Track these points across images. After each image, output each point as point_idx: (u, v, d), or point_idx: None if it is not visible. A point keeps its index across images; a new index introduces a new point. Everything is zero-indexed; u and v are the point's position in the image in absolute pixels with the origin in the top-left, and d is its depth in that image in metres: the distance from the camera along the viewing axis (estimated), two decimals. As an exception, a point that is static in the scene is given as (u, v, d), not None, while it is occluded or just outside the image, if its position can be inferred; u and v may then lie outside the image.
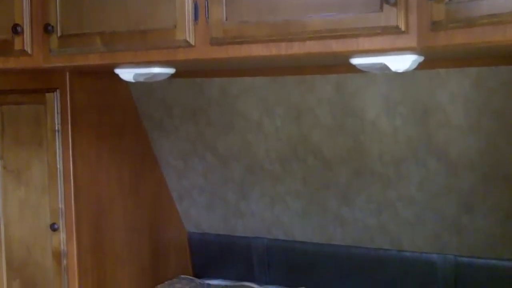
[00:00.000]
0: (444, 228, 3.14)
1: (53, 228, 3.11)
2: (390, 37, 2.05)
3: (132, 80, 2.87)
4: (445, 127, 2.83)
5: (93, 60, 2.66)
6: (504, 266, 3.10)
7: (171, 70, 2.85)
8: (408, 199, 3.13)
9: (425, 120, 2.84)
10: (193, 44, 2.40)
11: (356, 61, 2.33)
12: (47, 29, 2.71)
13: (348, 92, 2.93)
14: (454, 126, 2.80)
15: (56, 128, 3.09)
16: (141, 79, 2.85)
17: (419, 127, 2.88)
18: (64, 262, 3.12)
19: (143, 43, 2.51)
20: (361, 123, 3.00)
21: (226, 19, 2.32)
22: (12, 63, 2.82)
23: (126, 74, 2.85)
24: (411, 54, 2.20)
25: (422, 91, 2.78)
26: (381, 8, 2.03)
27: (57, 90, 3.09)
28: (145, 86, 3.38)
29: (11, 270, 3.16)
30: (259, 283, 3.67)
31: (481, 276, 3.17)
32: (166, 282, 3.71)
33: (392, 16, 2.01)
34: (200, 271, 3.96)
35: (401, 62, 2.22)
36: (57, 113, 3.09)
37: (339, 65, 2.78)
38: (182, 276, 3.85)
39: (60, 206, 3.10)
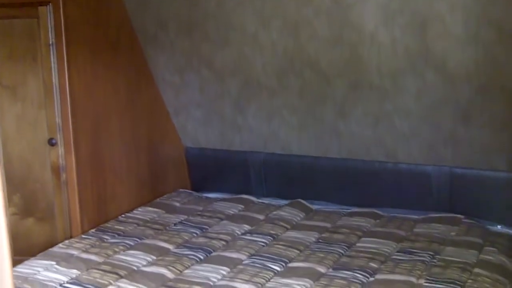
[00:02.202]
0: (439, 140, 3.17)
1: (51, 143, 3.13)
2: None
3: (126, -8, 2.81)
4: (443, 38, 2.80)
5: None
6: (499, 177, 3.15)
7: (165, -19, 2.78)
8: (404, 111, 3.15)
9: (424, 31, 2.82)
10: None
11: (355, -32, 2.28)
12: None
13: (346, 3, 2.89)
14: (452, 36, 2.78)
15: (50, 42, 3.05)
16: (135, -10, 2.79)
17: (417, 38, 2.85)
18: (63, 176, 3.15)
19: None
20: (359, 35, 2.97)
21: None
22: (2, -26, 2.75)
23: (120, -15, 2.79)
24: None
25: (421, 1, 2.74)
26: None
27: (50, 4, 3.03)
28: (139, -1, 3.32)
29: (12, 185, 3.20)
30: (256, 196, 3.73)
31: (475, 187, 3.23)
32: (165, 196, 3.76)
33: None
34: (198, 185, 4.01)
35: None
36: (51, 27, 3.05)
37: (337, -26, 2.73)
38: (181, 190, 3.91)
39: (57, 121, 3.10)
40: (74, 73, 3.10)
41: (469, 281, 2.46)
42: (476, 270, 2.57)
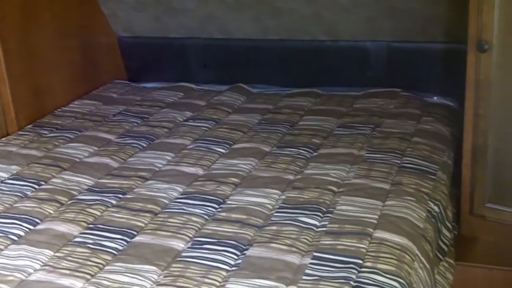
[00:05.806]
0: (378, 13, 3.15)
1: (-25, 35, 2.96)
2: None
3: None
4: None
5: None
6: (435, 49, 3.21)
7: None
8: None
9: None
10: None
11: None
12: None
13: None
14: None
15: None
16: None
17: None
18: (-8, 70, 3.01)
19: None
20: None
21: None
22: None
23: None
24: None
25: None
26: None
27: None
28: None
29: None
30: (196, 83, 3.67)
31: (412, 60, 3.27)
32: (100, 88, 3.65)
33: None
34: (135, 75, 3.89)
35: None
36: None
37: None
38: (116, 81, 3.80)
39: (-21, 10, 2.92)
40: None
41: (409, 149, 2.55)
42: (415, 139, 2.66)
